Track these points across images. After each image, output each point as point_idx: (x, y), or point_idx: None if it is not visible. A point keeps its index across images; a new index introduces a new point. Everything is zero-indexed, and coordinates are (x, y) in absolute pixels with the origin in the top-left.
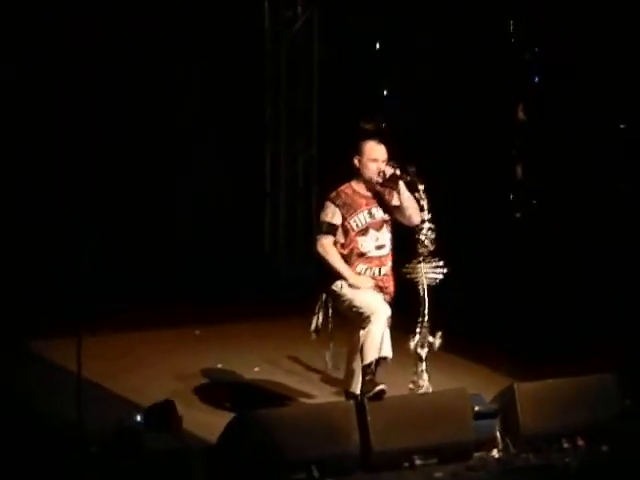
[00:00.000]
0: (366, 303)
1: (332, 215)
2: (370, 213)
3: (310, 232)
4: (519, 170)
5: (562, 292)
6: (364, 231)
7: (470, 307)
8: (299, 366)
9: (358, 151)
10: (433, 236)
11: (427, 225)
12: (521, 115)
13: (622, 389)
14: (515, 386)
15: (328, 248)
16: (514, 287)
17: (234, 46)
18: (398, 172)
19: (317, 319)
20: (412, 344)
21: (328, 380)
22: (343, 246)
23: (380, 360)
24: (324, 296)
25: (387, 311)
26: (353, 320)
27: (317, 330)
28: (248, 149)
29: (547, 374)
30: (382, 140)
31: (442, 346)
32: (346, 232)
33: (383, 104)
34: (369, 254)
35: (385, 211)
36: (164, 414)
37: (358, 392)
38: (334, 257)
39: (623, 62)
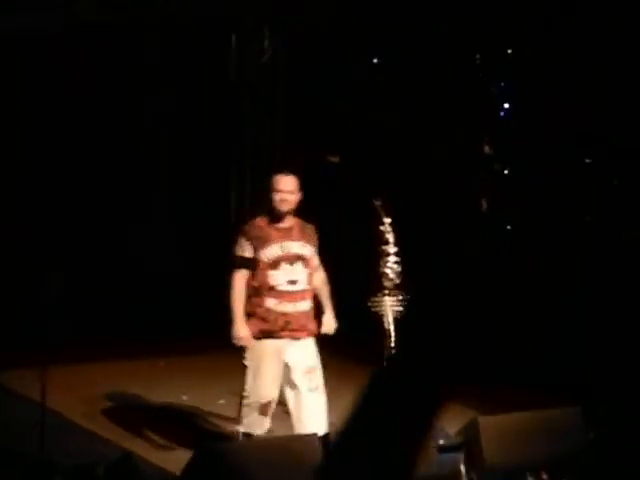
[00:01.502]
0: (251, 378)
1: (243, 248)
2: (281, 246)
3: None
4: (484, 203)
5: (528, 324)
6: (275, 264)
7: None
8: None
9: (270, 186)
10: (399, 269)
11: (392, 258)
12: (487, 149)
13: (586, 423)
14: (479, 419)
15: (235, 283)
16: (478, 318)
17: (199, 80)
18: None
19: None
20: None
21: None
22: (254, 278)
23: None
24: None
25: (265, 397)
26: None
27: None
28: (214, 184)
29: (512, 406)
30: (292, 172)
31: None
32: (257, 265)
33: (349, 139)
34: (279, 288)
35: (302, 248)
36: (125, 471)
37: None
38: (235, 295)
39: (589, 95)
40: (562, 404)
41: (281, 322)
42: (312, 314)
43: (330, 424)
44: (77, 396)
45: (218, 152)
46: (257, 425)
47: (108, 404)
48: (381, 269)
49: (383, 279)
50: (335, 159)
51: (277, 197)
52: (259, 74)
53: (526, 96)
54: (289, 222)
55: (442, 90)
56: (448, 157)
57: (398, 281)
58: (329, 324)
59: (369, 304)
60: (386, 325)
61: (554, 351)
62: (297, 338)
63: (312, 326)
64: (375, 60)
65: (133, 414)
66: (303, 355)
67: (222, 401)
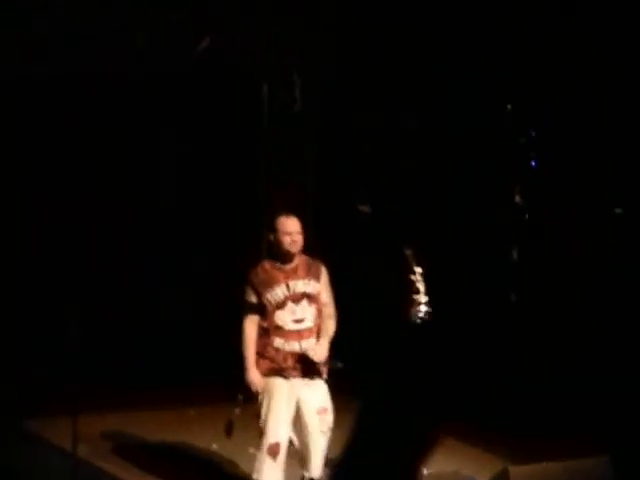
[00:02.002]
0: (265, 413)
1: (249, 294)
2: (287, 286)
3: None
4: (515, 253)
5: (557, 372)
6: (281, 305)
7: (463, 388)
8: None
9: (273, 227)
10: (430, 318)
11: (424, 308)
12: (518, 198)
13: (617, 472)
14: (510, 469)
15: (245, 328)
16: (509, 367)
17: (229, 129)
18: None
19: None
20: None
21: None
22: (263, 320)
23: None
24: None
25: (274, 437)
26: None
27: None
28: (241, 232)
29: (542, 454)
30: (293, 212)
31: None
32: (264, 307)
33: (380, 187)
34: (285, 327)
35: (307, 285)
36: None
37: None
38: (246, 340)
39: (618, 146)
40: (592, 452)
41: (290, 361)
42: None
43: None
44: (108, 445)
45: (246, 200)
46: (267, 472)
47: (138, 453)
48: (412, 318)
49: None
50: (366, 208)
51: (287, 239)
52: (289, 122)
53: (558, 146)
54: (295, 261)
55: (473, 138)
56: (479, 206)
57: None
58: (319, 351)
59: None
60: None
61: (586, 399)
62: (307, 377)
63: (322, 367)
64: (406, 108)
65: (164, 463)
66: (315, 395)
67: (252, 450)
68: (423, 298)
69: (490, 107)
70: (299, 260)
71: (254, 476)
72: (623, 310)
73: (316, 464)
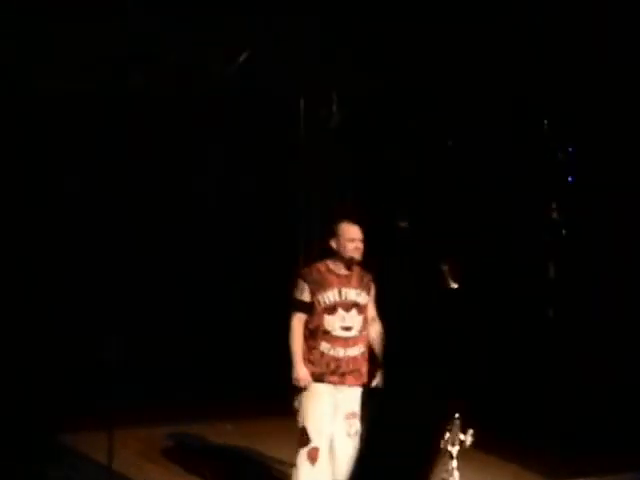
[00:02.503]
0: (307, 417)
1: (302, 292)
2: (339, 292)
3: None
4: (552, 269)
5: (594, 389)
6: (331, 310)
7: (501, 403)
8: None
9: (334, 233)
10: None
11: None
12: (554, 214)
13: None
14: None
15: (294, 325)
16: (544, 383)
17: (267, 145)
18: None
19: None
20: (443, 441)
21: None
22: (311, 322)
23: None
24: None
25: (313, 442)
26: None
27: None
28: (279, 246)
29: (578, 471)
30: (356, 221)
31: (473, 443)
32: (314, 308)
33: (417, 203)
34: (333, 333)
35: (359, 295)
36: None
37: None
38: (295, 337)
39: None
40: (629, 469)
41: (332, 366)
42: (363, 361)
43: None
44: (144, 460)
45: (284, 216)
46: (305, 478)
47: (174, 467)
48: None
49: None
50: (404, 224)
51: (351, 245)
52: (327, 138)
53: (593, 162)
54: (351, 270)
55: (509, 153)
56: (513, 222)
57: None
58: (379, 379)
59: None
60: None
61: (621, 415)
62: (346, 383)
63: (362, 373)
64: (442, 124)
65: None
66: (347, 400)
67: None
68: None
69: (528, 123)
70: (355, 269)
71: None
72: None
73: (342, 468)
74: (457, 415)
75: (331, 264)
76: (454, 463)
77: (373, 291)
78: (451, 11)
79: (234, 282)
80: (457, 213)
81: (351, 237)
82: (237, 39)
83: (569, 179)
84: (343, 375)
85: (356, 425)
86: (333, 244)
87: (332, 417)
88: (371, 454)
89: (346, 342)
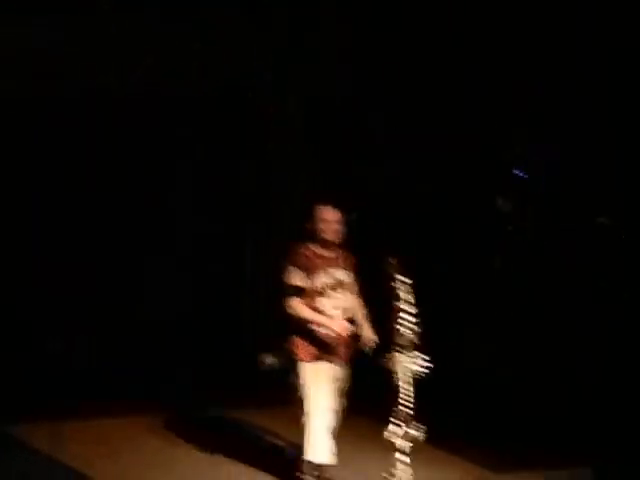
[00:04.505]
0: (313, 395)
1: (295, 277)
2: (327, 274)
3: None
4: (498, 261)
5: (539, 384)
6: (322, 291)
7: (448, 399)
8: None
9: (313, 217)
10: (412, 327)
11: (404, 315)
12: (502, 205)
13: None
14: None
15: (298, 307)
16: (492, 379)
17: (219, 146)
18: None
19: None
20: (386, 433)
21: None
22: (305, 305)
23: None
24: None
25: (327, 412)
26: (298, 401)
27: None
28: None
29: (524, 466)
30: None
31: (422, 439)
32: (307, 291)
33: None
34: (326, 313)
35: (345, 275)
36: None
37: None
38: (305, 312)
39: (605, 158)
40: (574, 464)
41: (328, 345)
42: (350, 338)
43: None
44: (93, 451)
45: (235, 218)
46: (325, 450)
47: (125, 459)
48: (394, 325)
49: (395, 336)
50: (351, 217)
51: (328, 227)
52: (278, 138)
53: (546, 156)
54: (334, 251)
55: (460, 148)
56: (464, 214)
57: (412, 339)
58: (369, 338)
59: (382, 360)
60: (395, 382)
61: (566, 410)
62: (341, 361)
63: (350, 350)
64: (393, 120)
65: (148, 472)
66: (341, 378)
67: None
68: (405, 306)
69: (480, 116)
70: (339, 252)
71: (309, 457)
72: (606, 324)
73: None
74: (402, 408)
75: (314, 247)
76: (406, 459)
77: (356, 272)
78: (419, 13)
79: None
80: (406, 207)
81: (326, 218)
82: (205, 38)
83: (519, 173)
84: (337, 353)
85: (343, 402)
86: (313, 227)
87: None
88: None
89: (337, 321)
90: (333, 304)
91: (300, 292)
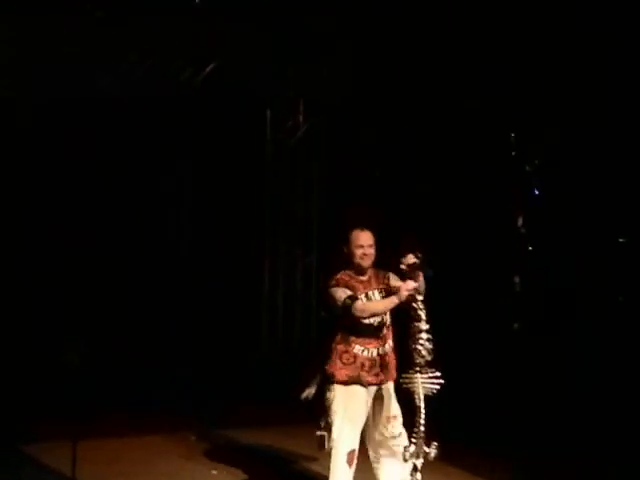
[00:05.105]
0: (339, 424)
1: (344, 291)
2: (367, 296)
3: (307, 336)
4: (517, 280)
5: (555, 401)
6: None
7: (465, 416)
8: (296, 474)
9: (346, 240)
10: (431, 346)
11: (425, 335)
12: (521, 226)
13: None
14: None
15: (364, 305)
16: (508, 396)
17: (235, 153)
18: (417, 262)
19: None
20: (407, 454)
21: None
22: (344, 327)
23: None
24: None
25: (351, 445)
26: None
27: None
28: (247, 254)
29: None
30: (367, 226)
31: (437, 456)
32: (347, 315)
33: (387, 209)
34: (365, 334)
35: (382, 296)
36: None
37: None
38: (374, 304)
39: (621, 176)
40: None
41: (367, 367)
42: (393, 358)
43: None
44: (107, 471)
45: (253, 227)
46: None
47: (139, 478)
48: (413, 346)
49: (415, 356)
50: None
51: (359, 252)
52: (295, 149)
53: (558, 175)
54: (368, 273)
55: (476, 163)
56: (480, 233)
57: (430, 358)
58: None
59: (400, 380)
60: (417, 402)
61: (580, 425)
62: (381, 383)
63: (393, 371)
64: (410, 129)
65: None
66: (386, 402)
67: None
68: (424, 325)
69: (496, 134)
70: (371, 272)
71: None
72: (617, 335)
73: (392, 472)
74: (422, 427)
75: (349, 272)
76: (418, 476)
77: (394, 277)
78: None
79: (199, 291)
80: (426, 218)
81: (359, 244)
82: (204, 45)
83: (535, 192)
84: (377, 375)
85: (398, 427)
86: (345, 250)
87: (365, 419)
88: None
89: (378, 342)
90: (373, 325)
91: (356, 298)
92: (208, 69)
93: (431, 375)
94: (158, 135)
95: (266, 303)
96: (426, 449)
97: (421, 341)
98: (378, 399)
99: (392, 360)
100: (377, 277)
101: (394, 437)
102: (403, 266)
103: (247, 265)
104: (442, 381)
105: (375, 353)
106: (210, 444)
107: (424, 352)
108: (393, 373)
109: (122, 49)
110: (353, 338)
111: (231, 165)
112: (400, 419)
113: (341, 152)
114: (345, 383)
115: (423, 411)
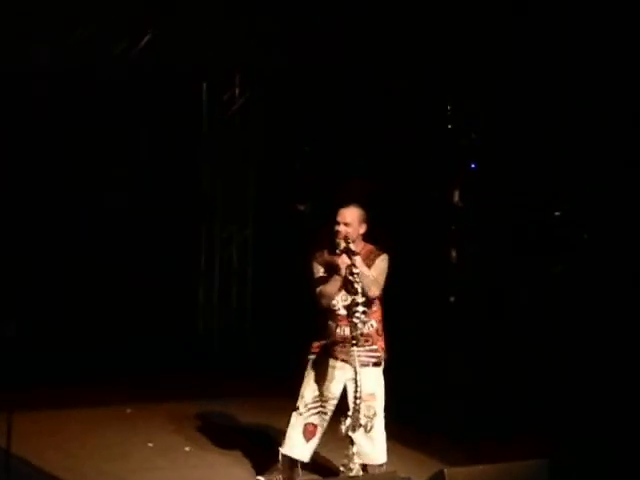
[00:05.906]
0: (303, 390)
1: (319, 271)
2: (353, 274)
3: (244, 313)
4: (453, 254)
5: (496, 375)
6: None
7: (403, 391)
8: (232, 446)
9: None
10: (365, 319)
11: (361, 308)
12: (457, 199)
13: (551, 476)
14: (446, 471)
15: (319, 290)
16: (448, 371)
17: (171, 127)
18: (351, 247)
19: None
20: (344, 427)
21: (260, 460)
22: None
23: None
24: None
25: (310, 414)
26: None
27: None
28: (183, 229)
29: (479, 458)
30: (350, 203)
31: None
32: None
33: (320, 186)
34: (339, 312)
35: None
36: None
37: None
38: (325, 287)
39: (556, 149)
40: (529, 456)
41: (341, 344)
42: (376, 339)
43: None
44: (43, 443)
45: (187, 203)
46: (297, 450)
47: (74, 451)
48: (349, 319)
49: (351, 329)
50: (302, 207)
51: (335, 228)
52: (230, 122)
53: (495, 149)
54: (359, 250)
55: (413, 140)
56: (417, 206)
57: (366, 331)
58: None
59: (336, 354)
60: (353, 375)
61: (521, 403)
62: (358, 362)
63: (374, 352)
64: (347, 105)
65: (99, 462)
66: (364, 380)
67: (187, 448)
68: (360, 298)
69: (432, 108)
70: (366, 250)
71: (283, 449)
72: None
73: (364, 450)
74: (358, 401)
75: (331, 248)
76: (354, 449)
77: (379, 263)
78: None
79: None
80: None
81: (337, 220)
82: (140, 19)
83: (472, 166)
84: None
85: (374, 407)
86: (329, 230)
87: (336, 395)
88: None
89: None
90: (344, 304)
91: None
92: (144, 41)
93: (367, 348)
94: (93, 108)
95: (203, 276)
96: (362, 421)
97: (357, 314)
98: (355, 377)
99: (372, 342)
100: (366, 256)
101: (366, 417)
102: (337, 250)
103: (184, 238)
104: (379, 354)
105: (347, 331)
106: (146, 418)
107: (360, 325)
108: (375, 354)
109: (57, 19)
110: (329, 315)
111: (167, 138)
112: (380, 400)
113: (276, 126)
114: (316, 354)
115: (360, 384)
